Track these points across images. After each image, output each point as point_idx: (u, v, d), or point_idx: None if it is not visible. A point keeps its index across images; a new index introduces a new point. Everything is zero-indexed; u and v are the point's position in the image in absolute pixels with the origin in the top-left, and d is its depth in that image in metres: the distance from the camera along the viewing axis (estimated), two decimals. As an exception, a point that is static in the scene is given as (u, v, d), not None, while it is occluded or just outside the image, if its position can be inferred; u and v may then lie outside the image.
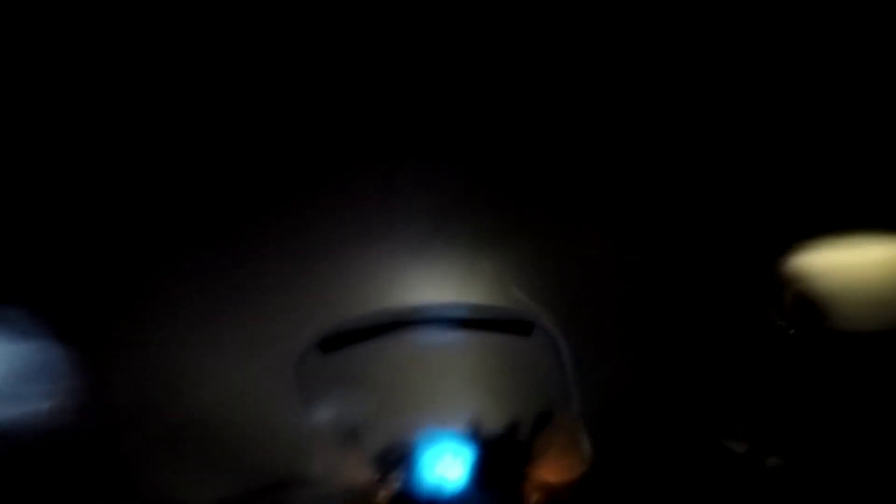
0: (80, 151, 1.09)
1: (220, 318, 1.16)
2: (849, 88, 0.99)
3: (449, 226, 1.16)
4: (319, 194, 1.13)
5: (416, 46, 1.07)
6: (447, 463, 1.17)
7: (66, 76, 1.04)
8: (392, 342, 1.21)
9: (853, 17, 0.96)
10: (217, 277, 1.15)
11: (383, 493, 1.16)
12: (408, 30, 1.06)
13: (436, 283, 1.18)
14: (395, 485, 1.16)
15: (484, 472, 1.16)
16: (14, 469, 1.10)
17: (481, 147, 1.13)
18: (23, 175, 1.09)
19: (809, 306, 1.05)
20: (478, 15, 1.04)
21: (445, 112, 1.11)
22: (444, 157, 1.12)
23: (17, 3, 0.97)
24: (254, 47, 1.06)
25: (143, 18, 1.01)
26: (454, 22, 1.05)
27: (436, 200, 1.15)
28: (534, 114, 1.11)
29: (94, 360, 1.14)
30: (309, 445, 1.18)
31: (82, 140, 1.09)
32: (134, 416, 1.15)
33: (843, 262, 1.04)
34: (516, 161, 1.15)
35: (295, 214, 1.15)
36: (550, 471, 1.16)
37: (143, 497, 1.16)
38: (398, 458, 1.18)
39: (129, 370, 1.14)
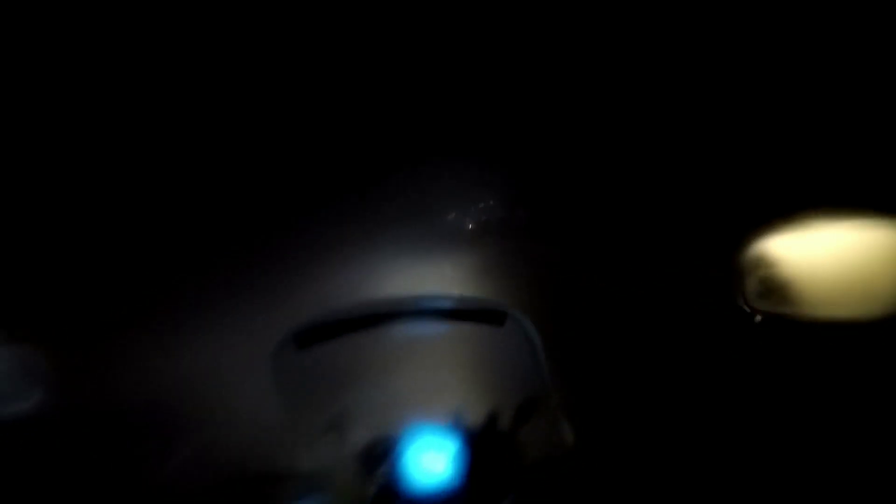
0: (60, 159, 1.10)
1: (201, 314, 1.16)
2: (807, 82, 1.03)
3: (424, 222, 1.18)
4: (297, 193, 1.15)
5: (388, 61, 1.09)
6: (432, 455, 1.17)
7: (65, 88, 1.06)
8: (367, 334, 1.21)
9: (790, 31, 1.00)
10: (197, 275, 1.16)
11: (369, 487, 1.16)
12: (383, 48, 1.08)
13: (408, 276, 1.21)
14: (380, 478, 1.17)
15: (468, 463, 1.17)
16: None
17: (462, 148, 1.17)
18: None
19: (775, 292, 1.06)
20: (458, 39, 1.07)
21: (427, 117, 1.15)
22: (426, 157, 1.16)
23: (18, 3, 0.98)
24: (255, 54, 1.09)
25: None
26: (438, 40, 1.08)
27: (412, 197, 1.17)
28: (500, 117, 1.14)
29: (75, 358, 1.14)
30: (294, 440, 1.18)
31: (66, 147, 1.10)
32: (113, 412, 1.14)
33: (808, 248, 1.05)
34: (495, 162, 1.18)
35: (275, 213, 1.16)
36: (532, 458, 1.18)
37: (130, 490, 1.15)
38: (383, 452, 1.18)
39: (111, 366, 1.14)
